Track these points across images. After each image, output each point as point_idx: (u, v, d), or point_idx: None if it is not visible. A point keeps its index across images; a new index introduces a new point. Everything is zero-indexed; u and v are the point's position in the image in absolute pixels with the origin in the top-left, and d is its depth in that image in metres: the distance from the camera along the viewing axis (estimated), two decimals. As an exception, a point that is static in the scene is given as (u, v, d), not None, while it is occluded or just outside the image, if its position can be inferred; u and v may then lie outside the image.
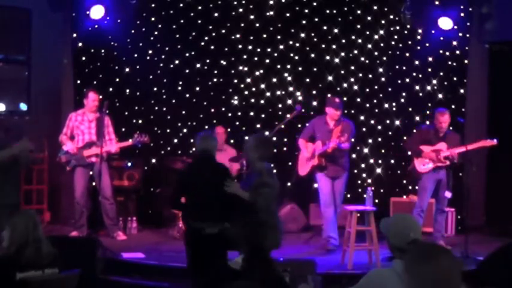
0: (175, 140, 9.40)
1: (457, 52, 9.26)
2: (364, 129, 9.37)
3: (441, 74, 9.38)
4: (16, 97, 8.70)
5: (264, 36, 9.57)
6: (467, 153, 7.28)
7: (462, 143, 7.43)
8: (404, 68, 9.48)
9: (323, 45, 9.53)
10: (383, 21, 9.55)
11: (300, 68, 9.57)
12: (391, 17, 9.54)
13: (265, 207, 4.99)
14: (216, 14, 9.50)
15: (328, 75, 9.52)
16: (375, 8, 9.55)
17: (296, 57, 9.55)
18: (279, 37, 9.57)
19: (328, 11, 9.57)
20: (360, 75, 9.54)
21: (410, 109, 9.44)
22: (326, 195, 7.37)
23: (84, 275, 4.22)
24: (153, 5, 9.36)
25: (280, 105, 9.51)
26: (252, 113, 9.52)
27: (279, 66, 9.55)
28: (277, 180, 5.27)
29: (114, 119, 8.02)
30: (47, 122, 8.78)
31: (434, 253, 2.52)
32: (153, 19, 9.34)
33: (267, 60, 9.55)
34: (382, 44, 9.51)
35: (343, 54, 9.54)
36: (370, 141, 9.46)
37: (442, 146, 7.43)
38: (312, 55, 9.57)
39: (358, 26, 9.53)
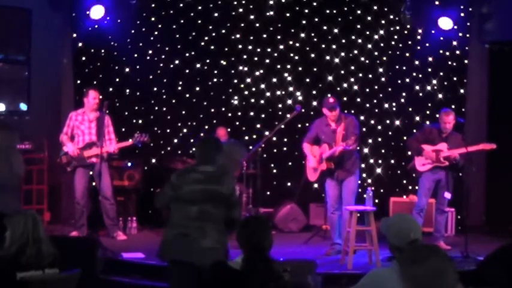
0: (175, 140, 9.40)
1: (457, 52, 9.26)
2: (364, 129, 9.35)
3: (441, 74, 9.38)
4: (16, 97, 8.71)
5: (264, 36, 9.57)
6: (467, 153, 7.27)
7: (464, 144, 7.41)
8: (404, 68, 9.48)
9: (323, 45, 9.53)
10: (383, 21, 9.55)
11: (300, 68, 9.57)
12: (391, 17, 9.54)
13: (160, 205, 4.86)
14: (216, 14, 9.50)
15: (328, 75, 9.52)
16: (375, 8, 9.55)
17: (296, 57, 9.55)
18: (279, 37, 9.57)
19: (328, 11, 9.57)
20: (360, 75, 9.54)
21: (410, 109, 9.44)
22: (331, 199, 7.17)
23: (84, 275, 4.22)
24: (153, 5, 9.36)
25: (280, 105, 9.52)
26: (252, 113, 9.52)
27: (279, 66, 9.55)
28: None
29: (114, 119, 8.01)
30: (47, 122, 8.78)
31: (425, 255, 2.52)
32: (153, 19, 9.34)
33: (267, 60, 9.55)
34: (382, 44, 9.51)
35: (343, 54, 9.54)
36: (370, 141, 9.46)
37: (443, 147, 7.43)
38: (312, 55, 9.57)
39: (358, 26, 9.53)
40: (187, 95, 9.49)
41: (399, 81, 9.47)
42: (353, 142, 6.77)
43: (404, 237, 3.26)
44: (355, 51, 9.53)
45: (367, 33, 9.51)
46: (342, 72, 9.53)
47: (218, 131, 8.86)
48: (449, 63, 9.34)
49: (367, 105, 9.48)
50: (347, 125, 7.06)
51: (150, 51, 9.27)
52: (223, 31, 9.48)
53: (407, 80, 9.44)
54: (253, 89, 9.54)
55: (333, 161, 7.03)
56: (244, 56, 9.52)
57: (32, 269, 3.93)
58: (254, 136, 9.34)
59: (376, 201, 8.34)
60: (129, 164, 8.78)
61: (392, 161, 9.44)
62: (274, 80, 9.55)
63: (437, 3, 9.14)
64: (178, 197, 4.67)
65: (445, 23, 8.91)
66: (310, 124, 7.58)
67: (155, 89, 9.36)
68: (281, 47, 9.54)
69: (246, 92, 9.54)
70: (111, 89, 9.10)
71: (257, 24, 9.56)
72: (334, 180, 7.13)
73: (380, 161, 9.45)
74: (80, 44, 9.01)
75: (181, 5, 9.44)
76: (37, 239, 4.01)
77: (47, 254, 4.03)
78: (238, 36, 9.52)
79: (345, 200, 7.06)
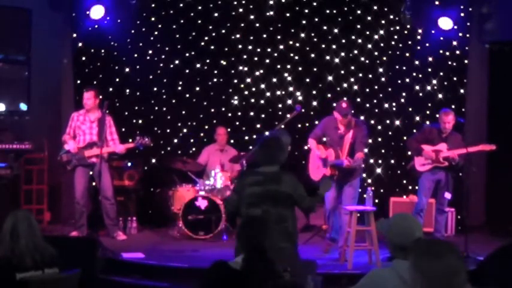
0: (175, 140, 9.40)
1: (457, 52, 9.26)
2: (364, 129, 9.36)
3: (441, 74, 9.37)
4: (16, 97, 8.71)
5: (264, 36, 9.57)
6: (467, 154, 7.27)
7: (463, 144, 7.41)
8: (404, 68, 9.47)
9: (323, 45, 9.53)
10: (383, 21, 9.55)
11: (300, 68, 9.57)
12: (391, 17, 9.54)
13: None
14: (216, 14, 9.50)
15: (328, 75, 9.52)
16: (375, 8, 9.55)
17: (296, 57, 9.55)
18: (279, 37, 9.57)
19: (328, 11, 9.57)
20: (360, 75, 9.54)
21: (410, 109, 9.44)
22: (329, 200, 7.14)
23: (84, 275, 4.22)
24: (153, 5, 9.36)
25: (280, 105, 9.51)
26: (252, 113, 9.52)
27: (279, 66, 9.55)
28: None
29: (114, 119, 8.01)
30: (47, 122, 8.79)
31: (443, 250, 2.52)
32: (153, 19, 9.34)
33: (267, 60, 9.55)
34: (382, 44, 9.50)
35: (343, 54, 9.54)
36: (370, 141, 9.43)
37: (443, 147, 7.43)
38: (312, 55, 9.57)
39: (358, 26, 9.53)
40: (187, 95, 9.49)
41: (399, 81, 9.47)
42: (360, 161, 6.73)
43: (407, 235, 3.25)
44: (355, 51, 9.53)
45: (367, 33, 9.51)
46: (342, 72, 9.52)
47: (218, 131, 8.86)
48: (449, 63, 9.33)
49: (367, 105, 9.48)
50: (356, 133, 6.94)
51: (150, 51, 9.27)
52: (223, 31, 9.47)
53: (407, 80, 9.44)
54: (253, 89, 9.54)
55: (338, 169, 6.93)
56: (244, 56, 9.52)
57: (32, 269, 3.92)
58: (254, 136, 9.34)
59: (376, 201, 8.34)
60: (129, 164, 8.79)
61: (392, 161, 9.43)
62: (274, 80, 9.54)
63: (437, 3, 9.13)
64: (241, 201, 4.65)
65: (445, 23, 8.91)
66: (319, 121, 7.50)
67: (155, 89, 9.36)
68: (281, 47, 9.54)
69: (246, 92, 9.54)
70: (111, 89, 9.10)
71: (257, 24, 9.56)
72: (333, 182, 7.01)
73: (380, 161, 9.45)
74: (80, 44, 9.01)
75: (181, 5, 9.44)
76: (31, 239, 3.99)
77: (44, 254, 4.01)
78: (238, 36, 9.51)
79: (345, 204, 6.98)
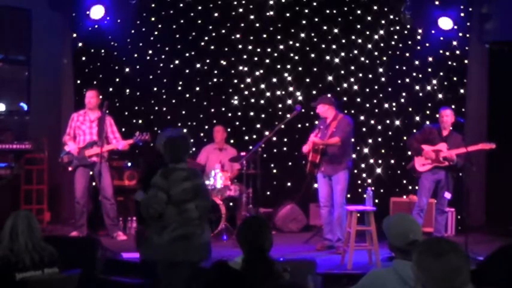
0: (175, 140, 9.38)
1: (457, 52, 9.25)
2: (364, 129, 9.37)
3: (441, 74, 9.37)
4: (16, 97, 8.72)
5: (264, 36, 9.57)
6: (467, 153, 7.27)
7: (464, 144, 7.41)
8: (404, 68, 9.47)
9: (323, 45, 9.53)
10: (383, 21, 9.55)
11: (300, 68, 9.57)
12: (391, 17, 9.54)
13: (144, 212, 4.69)
14: (216, 14, 9.50)
15: (328, 75, 9.52)
16: (375, 8, 9.55)
17: (296, 57, 9.56)
18: (279, 37, 9.57)
19: (328, 11, 9.57)
20: (360, 75, 9.54)
21: (410, 109, 9.44)
22: (320, 195, 7.40)
23: (84, 275, 4.22)
24: (153, 5, 9.37)
25: (280, 105, 9.52)
26: (252, 113, 9.52)
27: (279, 66, 9.55)
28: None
29: (114, 119, 8.01)
30: (47, 122, 8.79)
31: (445, 249, 2.52)
32: (153, 19, 9.35)
33: (267, 60, 9.55)
34: (382, 44, 9.51)
35: (343, 54, 9.54)
36: (370, 141, 9.46)
37: (443, 147, 7.43)
38: (312, 55, 9.57)
39: (358, 26, 9.53)
40: (187, 95, 9.49)
41: (399, 81, 9.47)
42: (334, 142, 7.06)
43: (404, 237, 3.26)
44: (355, 51, 9.53)
45: (367, 33, 9.51)
46: (342, 72, 9.53)
47: (216, 128, 8.84)
48: (449, 63, 9.33)
49: (367, 105, 9.48)
50: (339, 124, 7.26)
51: (150, 51, 9.27)
52: (223, 31, 9.48)
53: (407, 80, 9.44)
54: (253, 89, 9.54)
55: (318, 153, 7.21)
56: (244, 56, 9.52)
57: (31, 269, 3.92)
58: (254, 136, 9.34)
59: (376, 201, 8.33)
60: (129, 164, 8.78)
61: (392, 161, 9.44)
62: (274, 80, 9.55)
63: (437, 3, 9.13)
64: (171, 198, 4.61)
65: (445, 23, 8.91)
66: (319, 122, 7.67)
67: (155, 89, 9.36)
68: (281, 47, 9.54)
69: (246, 92, 9.54)
70: (111, 89, 9.10)
71: (257, 24, 9.56)
72: (323, 175, 7.32)
73: (380, 161, 9.45)
74: (80, 44, 9.01)
75: (181, 5, 9.45)
76: (31, 239, 3.99)
77: (43, 254, 4.01)
78: (238, 36, 9.51)
79: (335, 200, 7.25)
